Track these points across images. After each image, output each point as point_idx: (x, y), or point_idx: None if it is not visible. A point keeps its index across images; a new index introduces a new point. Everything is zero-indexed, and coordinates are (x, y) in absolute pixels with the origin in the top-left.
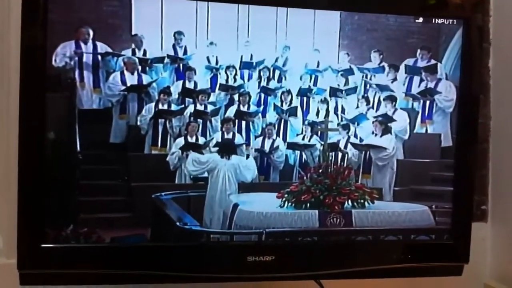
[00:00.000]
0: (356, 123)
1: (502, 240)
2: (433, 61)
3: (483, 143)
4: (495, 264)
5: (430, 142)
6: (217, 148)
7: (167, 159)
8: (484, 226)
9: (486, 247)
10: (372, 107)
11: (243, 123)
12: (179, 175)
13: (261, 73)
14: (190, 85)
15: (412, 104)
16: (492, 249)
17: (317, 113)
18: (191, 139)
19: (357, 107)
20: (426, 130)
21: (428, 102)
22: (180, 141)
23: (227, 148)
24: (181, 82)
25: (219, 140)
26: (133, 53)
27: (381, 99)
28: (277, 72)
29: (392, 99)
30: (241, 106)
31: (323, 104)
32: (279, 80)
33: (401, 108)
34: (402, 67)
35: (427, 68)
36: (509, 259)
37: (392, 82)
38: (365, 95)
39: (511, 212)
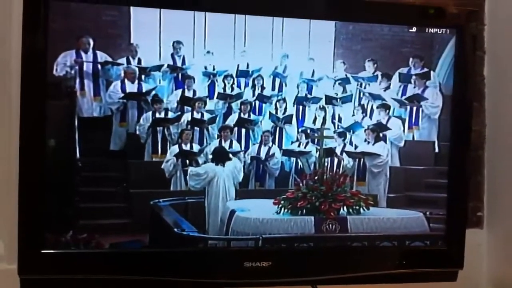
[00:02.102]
0: (351, 131)
1: (498, 246)
2: (425, 69)
3: (478, 150)
4: (491, 270)
5: (424, 149)
6: (211, 157)
7: (162, 166)
8: (479, 233)
9: (482, 254)
10: (367, 115)
11: (243, 130)
12: (174, 182)
13: (255, 81)
14: (189, 94)
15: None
16: (488, 255)
17: (314, 121)
18: (186, 147)
19: (353, 115)
20: (413, 136)
21: (415, 108)
22: (175, 148)
23: (220, 156)
24: (180, 90)
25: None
26: (128, 61)
27: (374, 107)
28: (276, 80)
29: (385, 107)
30: (241, 114)
31: (321, 111)
32: (280, 88)
33: (395, 116)
34: (395, 76)
35: (418, 75)
36: (505, 265)
37: (384, 91)
38: (361, 103)
39: (507, 218)
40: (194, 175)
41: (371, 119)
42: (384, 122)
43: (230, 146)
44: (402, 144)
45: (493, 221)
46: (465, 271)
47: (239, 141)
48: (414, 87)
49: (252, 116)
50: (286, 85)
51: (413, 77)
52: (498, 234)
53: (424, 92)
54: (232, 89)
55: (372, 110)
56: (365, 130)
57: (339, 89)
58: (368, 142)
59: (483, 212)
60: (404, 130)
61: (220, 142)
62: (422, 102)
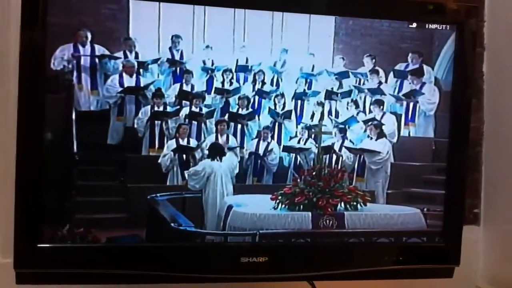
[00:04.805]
0: (347, 126)
1: (494, 243)
2: (422, 65)
3: (476, 147)
4: (487, 266)
5: (420, 145)
6: (207, 152)
7: (159, 161)
8: (476, 229)
9: (478, 250)
10: (362, 110)
11: (239, 126)
12: (171, 177)
13: (256, 77)
14: (187, 88)
15: (396, 107)
16: (484, 252)
17: (312, 116)
18: (183, 142)
19: (347, 110)
20: (409, 133)
21: (411, 104)
22: (172, 143)
23: (216, 151)
24: (178, 84)
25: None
26: (125, 55)
27: (370, 102)
28: (274, 76)
29: (379, 103)
30: (239, 110)
31: (319, 106)
32: (277, 83)
33: (390, 112)
34: (391, 72)
35: (414, 72)
36: (501, 262)
37: (378, 86)
38: (354, 98)
39: (503, 215)
40: (192, 174)
41: (365, 114)
42: (378, 117)
43: (227, 140)
44: (395, 140)
45: (489, 218)
46: (460, 267)
47: (234, 136)
48: (410, 83)
49: (249, 111)
50: (281, 80)
51: (409, 73)
52: (494, 231)
53: (421, 88)
54: (231, 83)
55: (369, 106)
56: (368, 126)
57: (336, 84)
58: (371, 138)
59: (479, 209)
60: (399, 126)
61: (216, 137)
62: (419, 98)
